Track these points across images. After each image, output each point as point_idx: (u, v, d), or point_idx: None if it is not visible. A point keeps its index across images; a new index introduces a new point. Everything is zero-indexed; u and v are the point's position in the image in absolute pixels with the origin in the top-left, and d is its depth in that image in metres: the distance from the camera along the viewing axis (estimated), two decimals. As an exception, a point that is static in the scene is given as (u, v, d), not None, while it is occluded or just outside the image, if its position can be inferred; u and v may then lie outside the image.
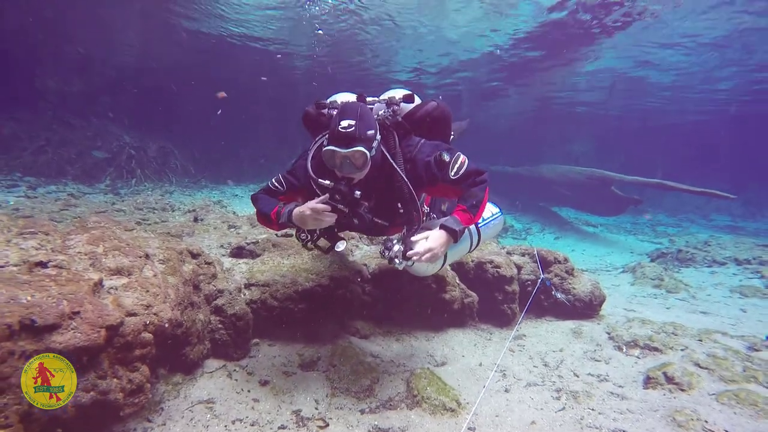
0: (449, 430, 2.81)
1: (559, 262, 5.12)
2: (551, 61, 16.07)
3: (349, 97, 2.94)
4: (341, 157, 2.38)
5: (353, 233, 4.68)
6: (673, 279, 7.70)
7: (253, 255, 4.39)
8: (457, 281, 4.51)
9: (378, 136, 2.51)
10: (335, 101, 2.88)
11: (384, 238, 2.82)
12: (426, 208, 2.94)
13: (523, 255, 5.19)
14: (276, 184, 2.82)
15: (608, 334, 4.53)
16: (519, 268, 4.96)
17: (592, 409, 3.16)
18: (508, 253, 5.21)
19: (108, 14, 12.76)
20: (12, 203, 6.98)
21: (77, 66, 14.60)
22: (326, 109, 2.84)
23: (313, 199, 2.56)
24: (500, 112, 25.77)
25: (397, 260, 2.57)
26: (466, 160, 2.62)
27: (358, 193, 2.45)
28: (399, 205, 2.69)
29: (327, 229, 2.74)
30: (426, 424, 2.87)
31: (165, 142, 14.07)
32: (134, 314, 2.32)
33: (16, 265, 2.46)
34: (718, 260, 9.61)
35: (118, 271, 2.65)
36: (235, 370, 3.30)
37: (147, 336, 2.34)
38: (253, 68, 16.92)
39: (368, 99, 2.94)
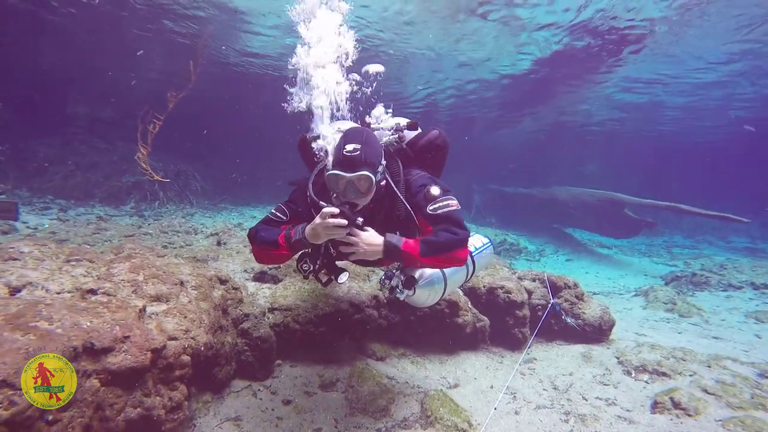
0: (461, 450, 2.97)
1: (569, 287, 5.27)
2: (565, 85, 16.34)
3: (350, 125, 2.83)
4: (346, 181, 2.31)
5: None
6: (686, 303, 7.73)
7: (275, 280, 4.64)
8: (470, 306, 4.69)
9: (383, 162, 2.44)
10: (339, 128, 2.72)
11: (384, 269, 2.83)
12: None
13: (533, 280, 5.35)
14: (278, 214, 2.68)
15: (617, 358, 4.64)
16: (530, 293, 5.12)
17: (600, 433, 3.29)
18: (519, 278, 5.37)
19: (135, 46, 13.46)
20: (47, 226, 7.39)
21: (106, 93, 15.35)
22: (325, 137, 2.70)
23: None
24: (513, 135, 26.01)
25: (398, 290, 2.58)
26: (456, 207, 2.46)
27: (360, 220, 2.30)
28: (398, 233, 2.52)
29: (328, 259, 2.65)
30: (439, 444, 3.04)
31: (186, 165, 14.59)
32: (175, 338, 2.58)
33: (70, 292, 2.75)
34: (734, 284, 9.59)
35: (157, 298, 2.92)
36: (259, 389, 3.52)
37: (185, 358, 2.58)
38: (269, 92, 17.53)
39: (372, 126, 2.86)
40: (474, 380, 4.12)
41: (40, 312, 2.12)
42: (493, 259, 3.50)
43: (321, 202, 2.42)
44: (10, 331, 1.89)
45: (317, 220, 2.31)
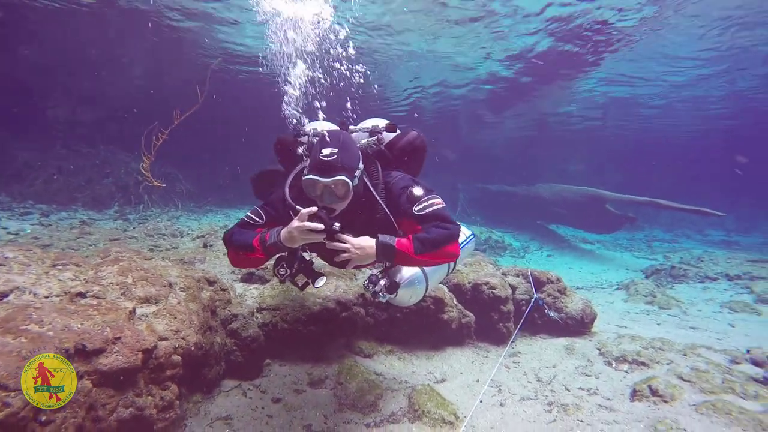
0: (448, 442, 3.06)
1: (552, 282, 5.41)
2: (547, 83, 16.59)
3: (328, 126, 2.85)
4: (322, 186, 2.27)
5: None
6: (665, 295, 7.97)
7: (263, 280, 4.68)
8: (455, 302, 4.79)
9: (361, 166, 2.40)
10: (316, 129, 2.71)
11: (369, 272, 2.78)
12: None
13: (517, 276, 5.48)
14: (253, 217, 2.61)
15: (599, 350, 4.79)
16: (513, 288, 5.25)
17: (581, 421, 3.42)
18: (504, 274, 5.50)
19: (118, 51, 13.29)
20: (29, 231, 7.30)
21: (85, 96, 15.14)
22: (305, 137, 2.68)
23: None
24: (497, 133, 26.30)
25: (381, 294, 2.59)
26: (441, 204, 2.45)
27: (337, 225, 2.26)
28: (377, 235, 2.48)
29: (305, 263, 2.62)
30: (427, 436, 3.13)
31: (171, 167, 14.46)
32: (165, 339, 2.61)
33: (58, 296, 2.76)
34: (710, 276, 9.89)
35: (147, 300, 2.95)
36: (249, 388, 3.56)
37: (176, 358, 2.62)
38: (252, 94, 17.47)
39: (350, 128, 2.82)
40: (460, 375, 4.22)
41: (30, 315, 2.15)
42: (472, 251, 3.46)
43: (298, 206, 2.35)
44: (1, 335, 1.92)
45: (294, 222, 2.26)
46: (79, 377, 2.10)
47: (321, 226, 2.20)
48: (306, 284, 2.67)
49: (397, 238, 2.38)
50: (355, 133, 2.76)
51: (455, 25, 11.83)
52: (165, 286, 3.16)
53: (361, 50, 13.49)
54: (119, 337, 2.33)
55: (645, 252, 14.78)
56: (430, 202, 2.43)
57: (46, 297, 2.71)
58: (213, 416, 3.17)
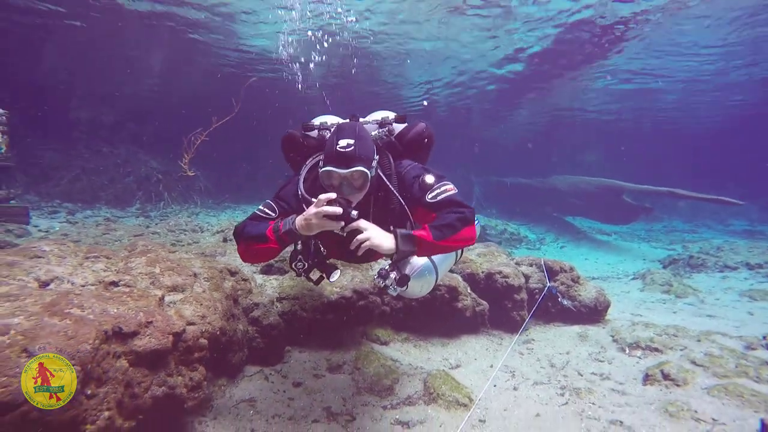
0: (462, 422, 3.18)
1: (565, 271, 5.46)
2: (560, 75, 16.46)
3: (336, 119, 2.87)
4: (340, 177, 2.28)
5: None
6: (682, 284, 7.92)
7: (281, 272, 4.84)
8: (469, 291, 4.89)
9: (376, 156, 2.42)
10: (325, 122, 2.77)
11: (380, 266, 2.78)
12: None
13: (530, 265, 5.55)
14: (266, 210, 2.57)
15: (612, 337, 4.84)
16: (527, 277, 5.32)
17: (593, 403, 3.50)
18: (517, 263, 5.57)
19: (134, 54, 13.64)
20: (58, 229, 7.61)
21: (105, 98, 15.56)
22: (315, 131, 2.73)
23: None
24: (511, 126, 26.14)
25: (392, 287, 2.55)
26: (453, 190, 2.44)
27: (355, 213, 2.23)
28: (392, 227, 2.43)
29: (319, 257, 2.62)
30: (441, 417, 3.25)
31: (190, 164, 14.77)
32: (193, 323, 2.78)
33: (93, 285, 2.95)
34: (729, 265, 9.76)
35: (174, 288, 3.13)
36: (271, 373, 3.73)
37: (203, 342, 2.79)
38: (267, 92, 17.70)
39: (361, 120, 2.84)
40: (474, 361, 4.32)
41: (72, 301, 2.33)
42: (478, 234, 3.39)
43: (313, 198, 2.31)
44: (49, 317, 2.10)
45: (312, 209, 2.22)
46: (117, 357, 2.28)
47: (340, 210, 2.17)
48: (320, 279, 2.65)
49: (412, 232, 2.32)
50: (366, 125, 2.75)
51: (468, 18, 11.83)
52: (190, 276, 3.34)
53: (374, 46, 13.59)
54: (151, 321, 2.50)
55: (663, 242, 14.61)
56: (442, 188, 2.42)
57: (83, 285, 2.90)
58: (237, 399, 3.34)
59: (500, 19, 11.97)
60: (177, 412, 2.69)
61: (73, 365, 1.95)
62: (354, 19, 11.66)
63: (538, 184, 18.03)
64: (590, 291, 5.37)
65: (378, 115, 2.89)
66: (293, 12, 11.14)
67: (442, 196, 2.40)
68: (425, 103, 21.19)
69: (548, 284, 5.19)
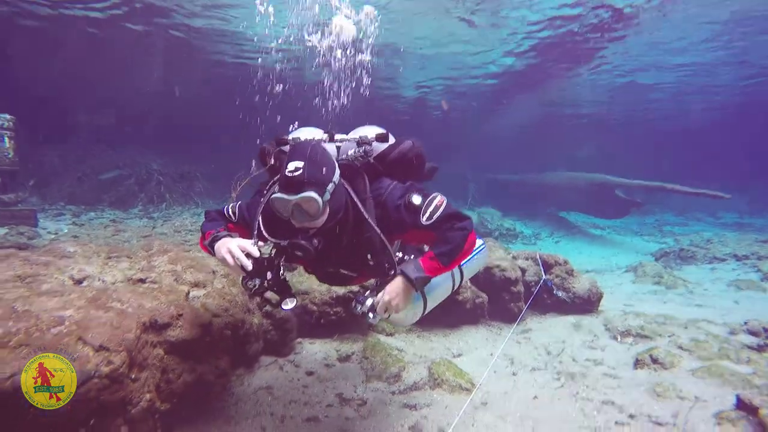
0: (465, 404, 3.43)
1: (560, 264, 5.73)
2: (552, 72, 16.75)
3: (316, 133, 2.60)
4: (290, 205, 2.05)
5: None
6: (672, 276, 8.21)
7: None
8: (469, 284, 5.14)
9: (335, 179, 2.14)
10: (298, 137, 2.50)
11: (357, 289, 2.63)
12: (398, 254, 2.55)
13: (527, 259, 5.81)
14: (230, 212, 2.57)
15: (605, 326, 5.12)
16: (523, 270, 5.58)
17: (587, 386, 3.75)
18: (514, 257, 5.83)
19: (131, 61, 13.82)
20: (66, 231, 7.80)
21: (103, 101, 15.72)
22: (288, 146, 2.45)
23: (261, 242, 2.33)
24: (505, 122, 26.43)
25: (370, 315, 2.30)
26: (444, 203, 2.29)
27: (315, 241, 2.13)
28: (369, 255, 2.36)
29: (278, 280, 2.35)
30: (446, 400, 3.50)
31: (190, 166, 14.98)
32: (218, 315, 3.02)
33: (122, 282, 3.18)
34: (718, 257, 10.08)
35: (196, 284, 3.36)
36: (284, 363, 3.97)
37: (227, 332, 3.03)
38: (264, 94, 17.87)
39: (337, 137, 2.58)
40: (475, 350, 4.58)
41: (111, 296, 2.55)
42: (484, 263, 3.33)
43: (271, 239, 2.29)
44: (95, 310, 2.33)
45: (231, 245, 2.20)
46: (154, 346, 2.51)
47: (249, 266, 2.17)
48: (278, 303, 2.40)
49: (421, 264, 2.25)
50: (342, 144, 2.54)
51: (461, 18, 12.06)
52: (210, 273, 3.57)
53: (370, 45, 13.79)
54: (182, 314, 2.74)
55: (655, 236, 14.95)
56: (434, 206, 2.27)
57: (113, 283, 3.13)
58: (255, 386, 3.57)
59: (492, 16, 12.21)
60: (205, 397, 2.92)
61: (121, 352, 2.18)
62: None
63: (532, 180, 18.33)
64: (584, 283, 5.64)
65: (360, 132, 2.61)
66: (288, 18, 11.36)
67: (437, 214, 2.25)
68: (445, 106, 20.70)
69: (544, 277, 5.45)
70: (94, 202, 11.68)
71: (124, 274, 3.32)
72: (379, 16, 11.85)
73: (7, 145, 8.30)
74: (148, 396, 2.34)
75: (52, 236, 7.28)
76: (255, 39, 13.18)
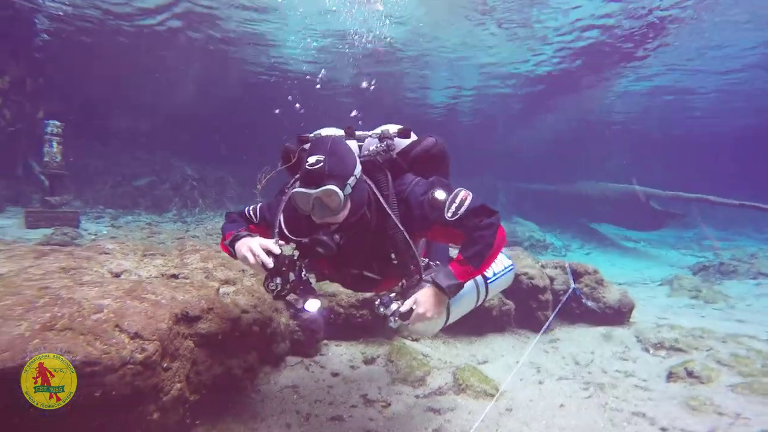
0: (490, 410, 3.38)
1: (589, 273, 5.60)
2: (585, 81, 16.48)
3: (335, 132, 2.57)
4: (311, 199, 2.02)
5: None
6: (712, 290, 7.88)
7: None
8: (495, 291, 5.08)
9: (356, 173, 2.11)
10: (319, 134, 2.51)
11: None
12: (423, 260, 2.45)
13: (555, 268, 5.70)
14: (251, 213, 2.58)
15: (637, 337, 4.95)
16: (552, 279, 5.48)
17: (616, 397, 3.65)
18: (542, 266, 5.73)
19: (170, 65, 14.42)
20: (105, 232, 8.15)
21: (143, 106, 16.43)
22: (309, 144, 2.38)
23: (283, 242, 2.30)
24: (536, 132, 26.09)
25: (392, 319, 2.23)
26: (469, 197, 2.20)
27: (336, 237, 2.10)
28: (393, 255, 2.32)
29: (301, 281, 2.30)
30: (470, 405, 3.46)
31: (222, 172, 15.42)
32: (246, 311, 3.10)
33: (156, 277, 3.31)
34: (763, 272, 9.62)
35: (226, 281, 3.46)
36: (310, 364, 4.01)
37: (255, 329, 3.10)
38: (296, 100, 18.30)
39: (358, 133, 2.58)
40: (501, 357, 4.51)
41: (146, 288, 2.66)
42: (510, 283, 3.20)
43: (292, 237, 2.28)
44: (131, 300, 2.43)
45: (248, 252, 2.18)
46: (184, 338, 2.59)
47: (270, 264, 2.13)
48: (300, 309, 2.40)
49: (451, 270, 2.16)
50: (365, 141, 2.55)
51: (493, 26, 12.06)
52: (239, 271, 3.66)
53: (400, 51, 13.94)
54: (212, 308, 2.82)
55: (693, 250, 14.38)
56: (458, 200, 2.18)
57: (148, 277, 3.26)
58: (282, 385, 3.63)
59: (524, 27, 12.17)
60: (233, 392, 2.99)
61: (154, 340, 2.27)
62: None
63: (564, 190, 17.98)
64: (614, 293, 5.49)
65: (378, 129, 2.59)
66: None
67: (462, 209, 2.16)
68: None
69: (573, 285, 5.33)
70: (131, 206, 12.17)
71: (159, 269, 3.45)
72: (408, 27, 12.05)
73: (56, 149, 8.78)
74: (178, 385, 2.42)
75: (93, 237, 7.62)
76: (290, 45, 13.54)
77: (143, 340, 2.20)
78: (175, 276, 3.31)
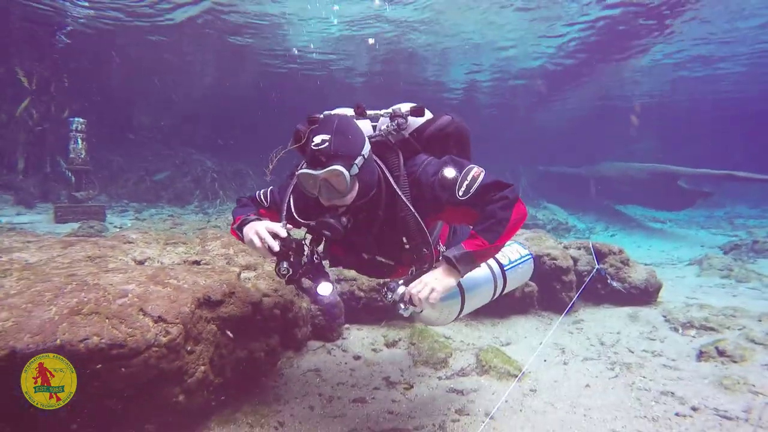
0: (513, 390, 3.35)
1: (614, 254, 5.47)
2: (608, 58, 15.95)
3: (346, 112, 2.42)
4: (317, 180, 1.95)
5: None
6: (745, 269, 7.62)
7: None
8: (517, 273, 5.01)
9: (365, 152, 2.02)
10: (329, 113, 2.37)
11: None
12: (442, 247, 2.43)
13: (579, 248, 5.59)
14: (262, 197, 2.55)
15: (665, 317, 4.83)
16: (575, 260, 5.37)
17: (644, 377, 3.56)
18: (565, 247, 5.62)
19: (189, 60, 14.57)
20: (130, 225, 8.34)
21: (163, 102, 16.69)
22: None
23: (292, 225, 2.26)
24: (558, 113, 25.51)
25: (402, 305, 2.10)
26: (482, 174, 2.07)
27: (344, 219, 2.05)
28: (404, 238, 2.22)
29: (313, 265, 2.25)
30: (493, 386, 3.44)
31: (241, 164, 15.59)
32: (268, 295, 3.12)
33: (179, 264, 3.36)
34: (799, 250, 9.24)
35: (247, 267, 3.49)
36: (332, 348, 4.04)
37: (277, 312, 3.12)
38: (314, 90, 18.30)
39: (370, 113, 2.42)
40: (524, 339, 4.46)
41: (169, 274, 2.70)
42: (529, 275, 3.12)
43: (300, 220, 2.24)
44: (154, 285, 2.47)
45: (255, 236, 2.13)
46: (207, 322, 2.63)
47: (276, 247, 2.08)
48: (314, 294, 2.31)
49: (463, 245, 2.03)
50: (378, 121, 2.42)
51: (512, 9, 11.78)
52: (260, 257, 3.69)
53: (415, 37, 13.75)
54: (233, 292, 2.85)
55: (724, 229, 13.91)
56: (470, 178, 2.06)
57: (170, 264, 3.31)
58: (304, 368, 3.66)
59: (543, 8, 11.84)
60: (255, 374, 3.03)
61: (177, 324, 2.30)
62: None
63: (587, 172, 17.59)
64: (640, 273, 5.35)
65: (393, 108, 2.45)
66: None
67: (474, 186, 2.04)
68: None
69: (597, 266, 5.22)
70: (154, 199, 12.43)
71: (181, 256, 3.51)
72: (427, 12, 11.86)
73: (81, 146, 9.00)
74: (202, 368, 2.46)
75: (117, 229, 7.80)
76: (306, 39, 13.52)
77: (167, 324, 2.23)
78: (197, 262, 3.36)
